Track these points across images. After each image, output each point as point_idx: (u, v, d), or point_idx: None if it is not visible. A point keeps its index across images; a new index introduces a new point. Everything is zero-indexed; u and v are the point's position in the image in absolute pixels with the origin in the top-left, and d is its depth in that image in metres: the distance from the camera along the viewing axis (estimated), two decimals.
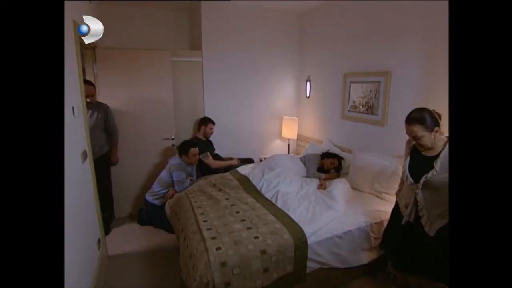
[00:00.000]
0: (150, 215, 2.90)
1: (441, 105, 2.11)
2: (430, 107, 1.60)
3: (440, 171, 1.50)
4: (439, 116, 1.54)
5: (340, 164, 2.98)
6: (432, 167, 1.52)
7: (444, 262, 1.56)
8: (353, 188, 2.65)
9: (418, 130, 1.53)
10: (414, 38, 2.40)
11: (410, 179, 1.63)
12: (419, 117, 1.53)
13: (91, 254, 2.05)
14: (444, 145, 1.54)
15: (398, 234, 1.79)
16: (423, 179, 1.56)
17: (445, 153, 1.51)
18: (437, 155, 1.53)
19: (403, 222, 1.71)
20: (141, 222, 2.97)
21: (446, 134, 1.60)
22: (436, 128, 1.51)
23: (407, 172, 1.67)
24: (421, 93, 2.35)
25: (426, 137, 1.53)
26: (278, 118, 4.06)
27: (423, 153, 1.61)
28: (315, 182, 2.72)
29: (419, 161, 1.62)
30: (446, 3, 0.81)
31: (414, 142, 1.63)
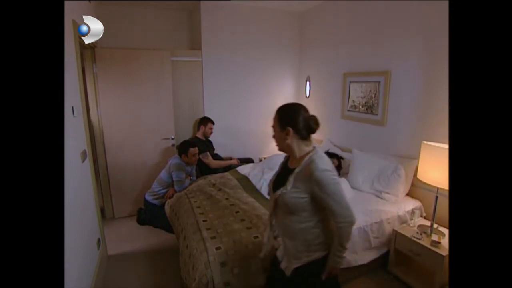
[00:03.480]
0: (150, 215, 2.91)
1: (441, 105, 2.13)
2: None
3: (291, 189, 1.18)
4: (316, 123, 1.27)
5: (340, 164, 2.98)
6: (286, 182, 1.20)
7: None
8: (353, 188, 2.65)
9: (275, 120, 1.27)
10: (414, 38, 2.40)
11: (271, 191, 1.31)
12: (280, 108, 1.27)
13: (91, 254, 2.05)
14: (302, 159, 1.20)
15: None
16: (274, 196, 1.24)
17: (299, 169, 1.19)
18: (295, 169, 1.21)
19: (261, 255, 1.42)
20: (141, 222, 2.97)
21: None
22: (288, 129, 1.20)
23: (270, 183, 1.34)
24: (421, 93, 2.35)
25: (277, 133, 1.26)
26: None
27: (289, 164, 1.30)
28: None
29: (283, 172, 1.30)
30: (446, 3, 0.81)
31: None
